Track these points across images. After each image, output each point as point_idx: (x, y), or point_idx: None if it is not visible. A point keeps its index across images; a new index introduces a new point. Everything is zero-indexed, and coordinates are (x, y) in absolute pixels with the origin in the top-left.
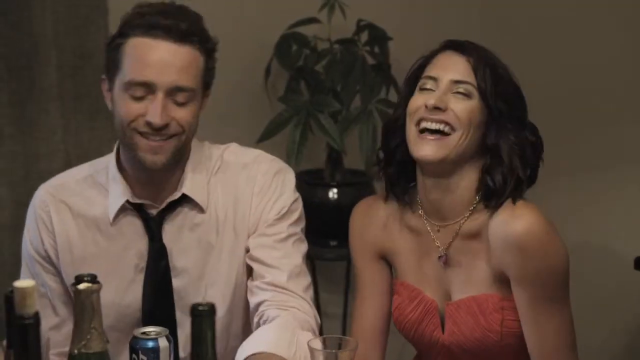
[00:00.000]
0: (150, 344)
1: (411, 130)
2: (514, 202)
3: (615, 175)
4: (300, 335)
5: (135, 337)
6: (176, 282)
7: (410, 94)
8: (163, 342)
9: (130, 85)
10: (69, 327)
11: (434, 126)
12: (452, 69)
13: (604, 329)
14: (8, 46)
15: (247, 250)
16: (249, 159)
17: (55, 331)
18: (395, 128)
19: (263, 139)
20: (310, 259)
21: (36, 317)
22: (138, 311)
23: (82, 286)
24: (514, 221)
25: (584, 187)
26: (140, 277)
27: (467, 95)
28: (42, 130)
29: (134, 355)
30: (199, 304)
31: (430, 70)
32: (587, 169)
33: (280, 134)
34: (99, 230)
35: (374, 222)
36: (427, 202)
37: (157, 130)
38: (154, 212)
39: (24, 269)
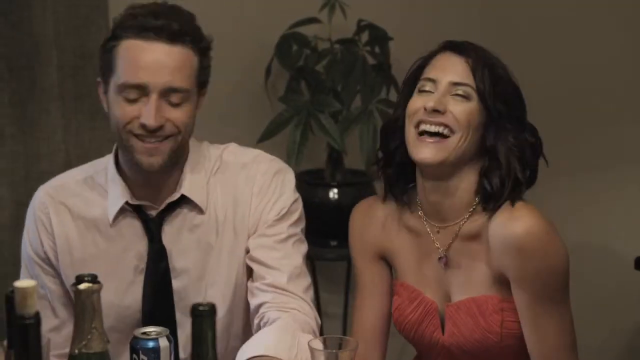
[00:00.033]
0: (151, 344)
1: (410, 132)
2: (512, 204)
3: (615, 175)
4: (301, 337)
5: (135, 337)
6: (176, 283)
7: (409, 95)
8: (163, 342)
9: (123, 87)
10: (68, 329)
11: (433, 129)
12: (451, 70)
13: (604, 329)
14: (9, 46)
15: (247, 251)
16: (248, 159)
17: (55, 333)
18: (394, 129)
19: (263, 139)
20: (311, 259)
21: (37, 317)
22: (138, 312)
23: (82, 286)
24: (513, 223)
25: (584, 187)
26: (140, 279)
27: (466, 97)
28: (43, 130)
29: (134, 356)
30: (199, 304)
31: (429, 72)
32: (587, 169)
33: (280, 134)
34: (98, 232)
35: (373, 222)
36: (426, 204)
37: (152, 132)
38: (153, 213)
39: (23, 271)
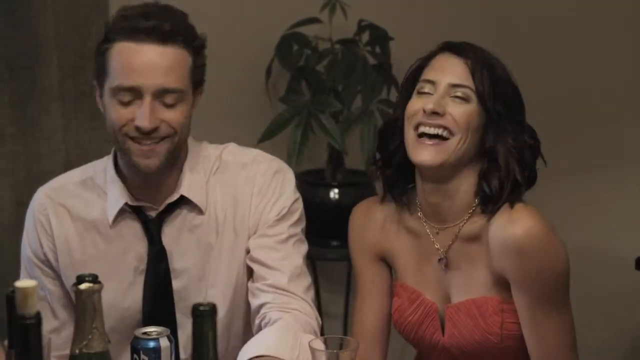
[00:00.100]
0: (152, 344)
1: (409, 134)
2: (511, 206)
3: (615, 175)
4: (302, 338)
5: (136, 337)
6: (176, 284)
7: (408, 96)
8: (164, 342)
9: (117, 90)
10: (68, 330)
11: (432, 131)
12: (450, 72)
13: (605, 329)
14: (9, 46)
15: (248, 251)
16: (247, 159)
17: (55, 334)
18: (393, 130)
19: (264, 139)
20: (312, 259)
21: (37, 317)
22: (138, 313)
23: (83, 286)
24: (513, 225)
25: (584, 187)
26: (140, 280)
27: (465, 99)
28: (43, 130)
29: (135, 356)
30: (200, 304)
31: (428, 74)
32: (587, 169)
33: (281, 134)
34: (98, 233)
35: (373, 223)
36: (426, 205)
37: (147, 134)
38: (153, 214)
39: (23, 273)
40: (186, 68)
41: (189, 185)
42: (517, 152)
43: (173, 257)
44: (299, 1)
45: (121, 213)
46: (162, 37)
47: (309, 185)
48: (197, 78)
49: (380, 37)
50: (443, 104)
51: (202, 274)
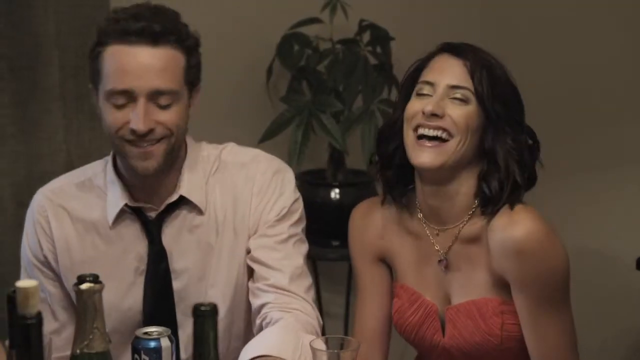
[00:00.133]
0: (153, 344)
1: (409, 136)
2: (511, 207)
3: (615, 175)
4: (304, 338)
5: (137, 337)
6: (176, 284)
7: (407, 97)
8: (165, 342)
9: (111, 94)
10: (68, 332)
11: (431, 133)
12: (449, 73)
13: (605, 330)
14: (10, 46)
15: (248, 251)
16: (247, 158)
17: (55, 336)
18: (393, 131)
19: (265, 139)
20: (312, 259)
21: (38, 317)
22: (139, 314)
23: (84, 286)
24: (513, 227)
25: (584, 187)
26: (141, 280)
27: (464, 100)
28: (44, 130)
29: (136, 356)
30: (201, 304)
31: (427, 75)
32: (587, 169)
33: (282, 134)
34: (98, 234)
35: (372, 224)
36: (425, 207)
37: (143, 136)
38: (152, 214)
39: (23, 275)
40: (179, 68)
41: (188, 185)
42: (516, 153)
43: (173, 258)
44: (300, 1)
45: (121, 214)
46: (153, 38)
47: (310, 185)
48: (191, 78)
49: (381, 37)
50: (442, 105)
51: (202, 274)
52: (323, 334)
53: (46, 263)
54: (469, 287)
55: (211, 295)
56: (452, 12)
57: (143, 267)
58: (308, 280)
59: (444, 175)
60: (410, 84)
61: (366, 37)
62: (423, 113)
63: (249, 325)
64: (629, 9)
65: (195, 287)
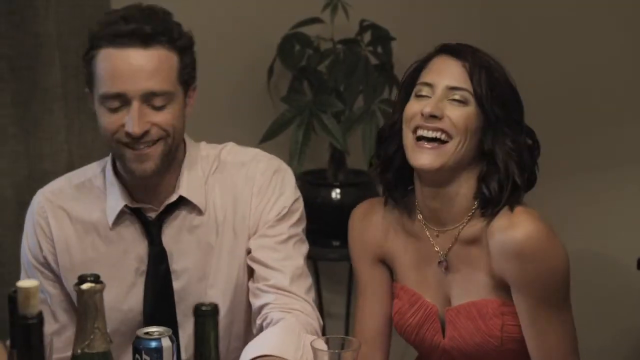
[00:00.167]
0: (154, 344)
1: (408, 138)
2: (511, 209)
3: (615, 175)
4: (305, 339)
5: (138, 338)
6: (177, 284)
7: (406, 98)
8: (166, 342)
9: (104, 98)
10: (69, 333)
11: (430, 134)
12: (448, 74)
13: (606, 331)
14: (11, 46)
15: (248, 251)
16: (246, 158)
17: (56, 337)
18: (392, 132)
19: (266, 139)
20: (313, 260)
21: (39, 317)
22: (139, 314)
23: (85, 286)
24: (513, 229)
25: (584, 187)
26: (141, 281)
27: (463, 101)
28: (46, 130)
29: (137, 356)
30: (202, 304)
31: (426, 76)
32: (587, 169)
33: (283, 134)
34: (98, 235)
35: (372, 225)
36: (425, 209)
37: (139, 139)
38: (152, 215)
39: (23, 276)
40: (172, 69)
41: (188, 185)
42: (516, 154)
43: (173, 258)
44: (301, 1)
45: (121, 215)
46: (144, 39)
47: (311, 185)
48: (186, 77)
49: (381, 37)
50: (441, 107)
51: (202, 274)
52: (324, 334)
53: (46, 264)
54: (469, 289)
55: (211, 295)
56: (452, 12)
57: (143, 268)
58: (308, 280)
59: (443, 176)
60: (409, 85)
61: (367, 37)
62: (422, 114)
63: (249, 325)
64: (629, 9)
65: (195, 287)
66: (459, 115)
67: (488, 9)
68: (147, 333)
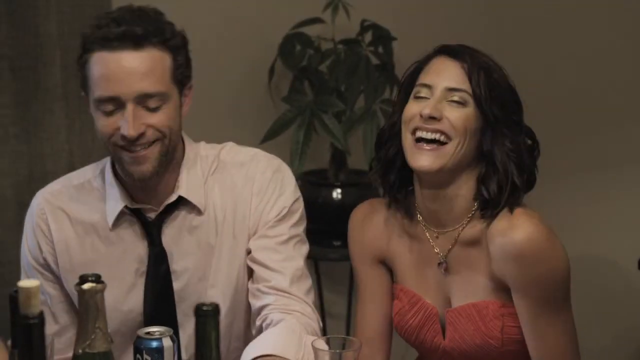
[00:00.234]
0: (155, 344)
1: (407, 139)
2: (511, 210)
3: (615, 175)
4: (307, 339)
5: (139, 337)
6: (177, 285)
7: (405, 99)
8: (167, 342)
9: (99, 102)
10: (69, 334)
11: (429, 136)
12: (446, 75)
13: (607, 332)
14: (12, 46)
15: (248, 252)
16: (246, 158)
17: (56, 338)
18: (391, 134)
19: (267, 139)
20: (314, 260)
21: (40, 317)
22: (140, 315)
23: (86, 286)
24: (513, 231)
25: (584, 187)
26: (141, 282)
27: (462, 103)
28: (47, 130)
29: (138, 356)
30: (203, 304)
31: (425, 78)
32: (587, 169)
33: (284, 134)
34: (98, 236)
35: (372, 226)
36: (425, 210)
37: (135, 142)
38: (152, 215)
39: (23, 277)
40: (166, 69)
41: (187, 186)
42: (515, 155)
43: (173, 258)
44: (302, 1)
45: (121, 216)
46: (135, 41)
47: (312, 185)
48: (180, 77)
49: (383, 37)
50: (440, 108)
51: (202, 274)
52: (324, 334)
53: (46, 265)
54: (469, 290)
55: (211, 296)
56: (453, 11)
57: (143, 268)
58: (308, 282)
59: (442, 178)
60: (408, 87)
61: (368, 37)
62: (421, 116)
63: (249, 325)
64: (629, 10)
65: (196, 288)
66: (457, 116)
67: (489, 9)
68: (148, 333)
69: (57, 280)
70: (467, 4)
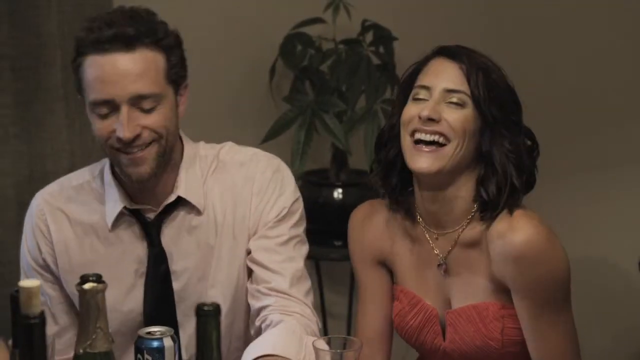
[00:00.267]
0: (155, 343)
1: (406, 141)
2: (510, 212)
3: (616, 175)
4: (307, 340)
5: (140, 337)
6: (176, 285)
7: (404, 101)
8: (168, 342)
9: (94, 105)
10: (69, 335)
11: (428, 137)
12: (445, 77)
13: (607, 332)
14: (13, 46)
15: (248, 252)
16: (245, 158)
17: (56, 339)
18: (391, 136)
19: (268, 139)
20: (315, 259)
21: (41, 316)
22: (139, 315)
23: (87, 286)
24: (512, 233)
25: (584, 187)
26: (141, 282)
27: (460, 104)
28: (47, 130)
29: (139, 355)
30: (204, 304)
31: (423, 79)
32: (587, 169)
33: (285, 134)
34: (97, 237)
35: (372, 227)
36: (424, 211)
37: (131, 144)
38: (151, 216)
39: (22, 279)
40: (159, 69)
41: (186, 186)
42: (514, 156)
43: (173, 259)
44: (303, 1)
45: (120, 216)
46: (127, 42)
47: (313, 185)
48: (175, 77)
49: (384, 37)
50: (438, 110)
51: (202, 274)
52: (325, 334)
53: (45, 266)
54: (469, 292)
55: (211, 296)
56: (454, 11)
57: (143, 269)
58: (307, 283)
59: (442, 180)
60: (407, 88)
61: (369, 37)
62: (419, 118)
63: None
64: (629, 10)
65: (195, 288)
66: (456, 118)
67: (490, 8)
68: (149, 333)
69: (57, 281)
70: (468, 4)
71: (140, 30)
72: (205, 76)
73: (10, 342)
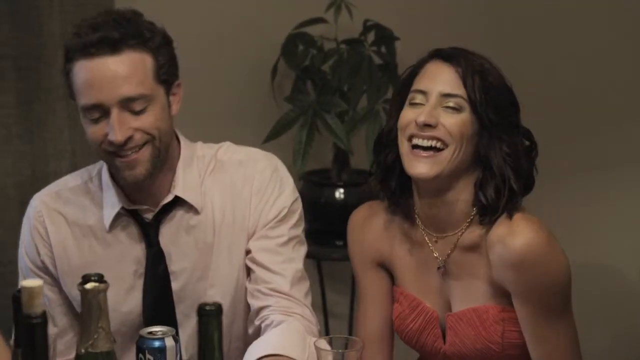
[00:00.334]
0: (157, 343)
1: (404, 146)
2: (510, 216)
3: (616, 175)
4: (310, 340)
5: (141, 337)
6: (175, 285)
7: (401, 105)
8: (169, 342)
9: (84, 110)
10: (68, 337)
11: (425, 143)
12: (441, 80)
13: (607, 333)
14: (15, 46)
15: (248, 252)
16: (243, 157)
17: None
18: (389, 141)
19: (269, 139)
20: (317, 259)
21: (43, 316)
22: (139, 316)
23: (89, 286)
24: (512, 238)
25: (584, 187)
26: (140, 283)
27: (457, 109)
28: (49, 130)
29: (140, 355)
30: (205, 304)
31: (419, 83)
32: (587, 170)
33: (286, 134)
34: (95, 238)
35: (372, 229)
36: (423, 215)
37: (123, 146)
38: (149, 216)
39: (21, 281)
40: (147, 70)
41: (183, 185)
42: (512, 159)
43: (171, 259)
44: (305, 1)
45: (117, 217)
46: (113, 45)
47: (314, 185)
48: (165, 76)
49: (385, 37)
50: (435, 115)
51: (201, 274)
52: (327, 334)
53: (44, 268)
54: (469, 295)
55: (211, 295)
56: (455, 11)
57: (141, 270)
58: (307, 284)
59: (440, 184)
60: (403, 91)
61: (371, 37)
62: (416, 123)
63: None
64: (629, 10)
65: (195, 288)
66: (453, 122)
67: (491, 9)
68: (150, 332)
69: (56, 283)
70: (468, 4)
71: (125, 33)
72: (207, 76)
73: (12, 341)
